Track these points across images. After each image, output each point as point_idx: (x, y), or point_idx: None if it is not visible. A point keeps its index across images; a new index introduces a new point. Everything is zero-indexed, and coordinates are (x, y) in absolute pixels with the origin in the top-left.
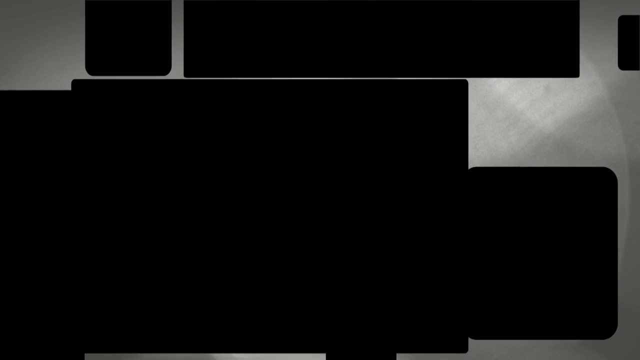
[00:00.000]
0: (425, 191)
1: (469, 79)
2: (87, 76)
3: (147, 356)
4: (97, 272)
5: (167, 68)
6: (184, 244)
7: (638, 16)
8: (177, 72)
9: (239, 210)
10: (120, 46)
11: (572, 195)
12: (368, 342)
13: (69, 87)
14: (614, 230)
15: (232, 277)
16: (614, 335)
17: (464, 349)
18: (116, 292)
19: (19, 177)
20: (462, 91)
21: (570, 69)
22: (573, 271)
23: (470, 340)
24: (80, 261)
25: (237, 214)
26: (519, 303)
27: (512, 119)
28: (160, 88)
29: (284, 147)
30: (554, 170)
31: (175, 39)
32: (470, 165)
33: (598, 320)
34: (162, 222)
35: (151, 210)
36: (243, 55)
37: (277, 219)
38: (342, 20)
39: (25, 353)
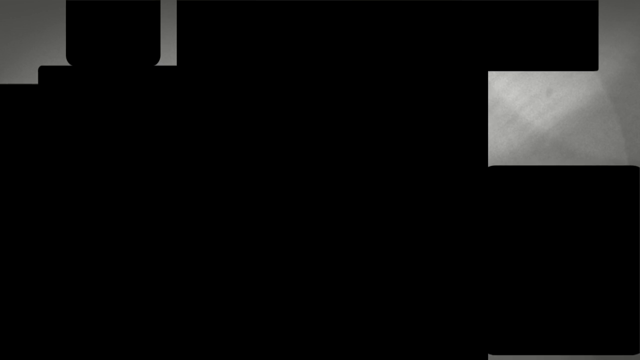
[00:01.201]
0: (443, 193)
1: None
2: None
3: None
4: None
5: (156, 57)
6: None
7: None
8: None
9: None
10: (105, 35)
11: (594, 196)
12: None
13: None
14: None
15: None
16: None
17: None
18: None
19: None
20: (482, 83)
21: (589, 62)
22: (598, 282)
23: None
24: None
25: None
26: (539, 316)
27: (510, 116)
28: (130, 76)
29: (296, 149)
30: (573, 169)
31: (170, 37)
32: None
33: (624, 335)
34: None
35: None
36: (237, 54)
37: (276, 223)
38: (346, 18)
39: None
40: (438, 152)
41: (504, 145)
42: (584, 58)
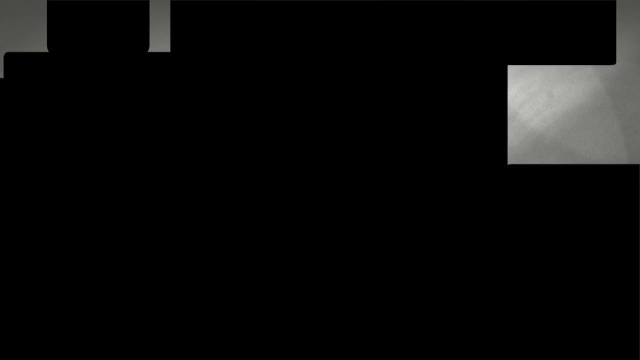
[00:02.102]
0: (462, 191)
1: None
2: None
3: None
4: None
5: (145, 45)
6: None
7: None
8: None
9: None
10: (89, 25)
11: (594, 195)
12: None
13: None
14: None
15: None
16: None
17: None
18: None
19: None
20: (502, 76)
21: (608, 57)
22: (598, 287)
23: None
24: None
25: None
26: (539, 322)
27: (509, 113)
28: (114, 63)
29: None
30: (573, 168)
31: (163, 36)
32: None
33: (624, 346)
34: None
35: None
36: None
37: (272, 212)
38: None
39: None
40: (457, 149)
41: None
42: (602, 52)
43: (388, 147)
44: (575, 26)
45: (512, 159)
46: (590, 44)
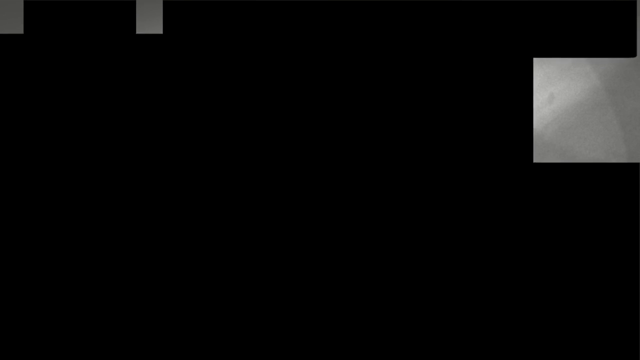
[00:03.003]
0: (488, 189)
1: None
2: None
3: None
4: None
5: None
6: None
7: None
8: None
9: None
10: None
11: (594, 194)
12: None
13: None
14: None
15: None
16: None
17: None
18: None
19: None
20: (528, 69)
21: (629, 50)
22: (598, 290)
23: None
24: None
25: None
26: (539, 322)
27: None
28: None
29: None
30: (573, 166)
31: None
32: None
33: (623, 344)
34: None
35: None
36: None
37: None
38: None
39: None
40: (483, 146)
41: None
42: (623, 46)
43: (414, 142)
44: (598, 23)
45: None
46: (612, 38)
